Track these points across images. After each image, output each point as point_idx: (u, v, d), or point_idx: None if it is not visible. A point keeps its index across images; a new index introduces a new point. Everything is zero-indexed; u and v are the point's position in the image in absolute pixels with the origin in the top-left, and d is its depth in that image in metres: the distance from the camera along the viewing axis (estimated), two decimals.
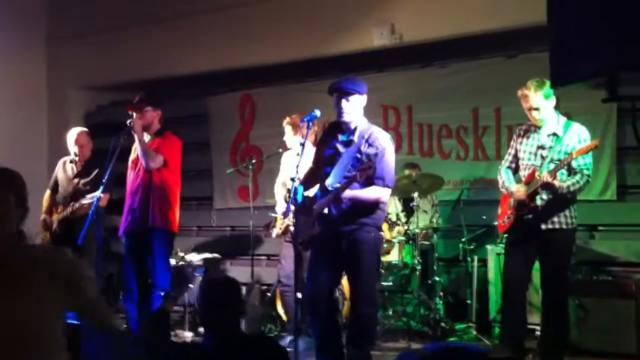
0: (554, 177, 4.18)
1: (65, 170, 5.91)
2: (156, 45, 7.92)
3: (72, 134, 5.90)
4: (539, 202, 4.34)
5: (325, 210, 4.11)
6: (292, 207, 4.00)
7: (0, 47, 8.07)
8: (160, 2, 7.93)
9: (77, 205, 5.54)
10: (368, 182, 4.05)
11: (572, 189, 4.26)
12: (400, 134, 7.13)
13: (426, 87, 6.98)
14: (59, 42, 8.67)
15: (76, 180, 5.76)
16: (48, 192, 5.96)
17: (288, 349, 3.92)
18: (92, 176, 5.65)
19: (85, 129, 6.11)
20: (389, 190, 4.17)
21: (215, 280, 3.34)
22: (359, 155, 4.10)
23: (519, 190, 4.39)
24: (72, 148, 5.86)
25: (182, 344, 3.57)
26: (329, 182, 4.12)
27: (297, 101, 7.01)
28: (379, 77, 7.28)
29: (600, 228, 6.22)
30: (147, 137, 5.21)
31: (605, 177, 6.03)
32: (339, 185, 4.01)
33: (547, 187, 4.24)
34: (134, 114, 5.11)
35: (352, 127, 4.22)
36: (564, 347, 4.53)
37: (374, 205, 4.15)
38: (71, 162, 5.90)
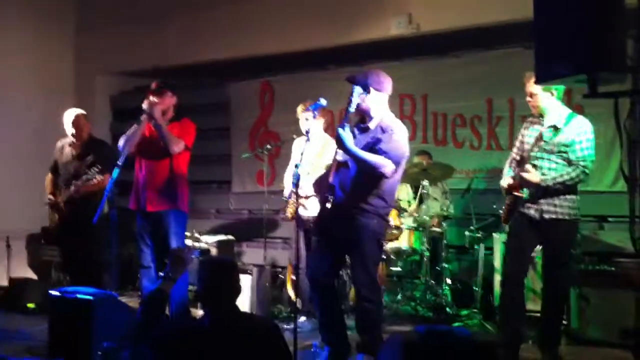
0: (526, 171, 4.27)
1: (64, 152, 5.89)
2: (179, 33, 8.13)
3: (69, 116, 5.80)
4: (525, 193, 4.39)
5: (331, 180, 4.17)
6: (294, 192, 4.12)
7: (31, 35, 8.40)
8: None
9: (79, 183, 5.54)
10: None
11: (559, 180, 4.26)
12: (415, 123, 7.22)
13: (442, 76, 7.05)
14: (86, 31, 8.92)
15: (77, 162, 5.74)
16: (49, 175, 5.93)
17: (298, 329, 4.07)
18: (91, 159, 5.60)
19: (82, 112, 5.98)
20: (391, 165, 4.11)
21: (210, 260, 3.50)
22: (371, 140, 4.19)
23: (507, 184, 4.49)
24: (69, 130, 5.81)
25: (179, 322, 3.73)
26: (339, 157, 4.22)
27: (315, 89, 7.04)
28: (396, 66, 7.33)
29: (610, 219, 6.27)
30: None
31: (616, 169, 6.05)
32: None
33: (527, 184, 4.33)
34: (154, 99, 5.12)
35: (371, 115, 4.33)
36: (559, 335, 4.60)
37: (375, 178, 4.15)
38: (70, 144, 5.87)
